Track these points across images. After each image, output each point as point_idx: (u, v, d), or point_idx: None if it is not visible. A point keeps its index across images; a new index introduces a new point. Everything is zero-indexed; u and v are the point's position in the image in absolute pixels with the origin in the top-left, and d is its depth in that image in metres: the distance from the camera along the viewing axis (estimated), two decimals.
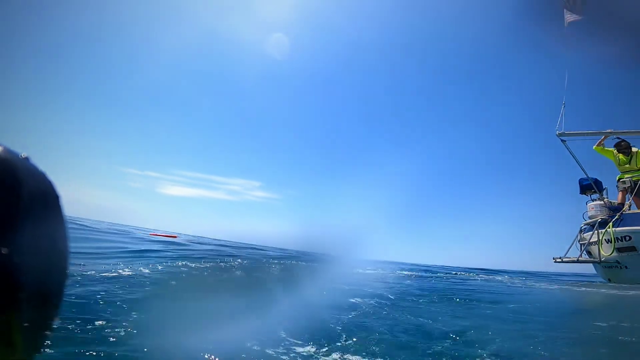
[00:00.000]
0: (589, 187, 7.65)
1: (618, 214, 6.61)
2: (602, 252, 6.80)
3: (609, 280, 7.16)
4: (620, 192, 7.21)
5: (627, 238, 6.38)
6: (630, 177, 6.81)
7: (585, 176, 7.58)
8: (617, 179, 7.30)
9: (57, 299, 0.32)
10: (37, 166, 0.32)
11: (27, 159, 0.31)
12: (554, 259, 7.64)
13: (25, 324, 0.28)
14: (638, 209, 6.64)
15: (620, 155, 7.18)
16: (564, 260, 7.42)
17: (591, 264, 7.55)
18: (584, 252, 7.41)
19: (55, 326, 0.32)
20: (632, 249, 6.35)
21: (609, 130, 7.22)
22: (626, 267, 6.59)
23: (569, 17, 7.73)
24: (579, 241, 7.71)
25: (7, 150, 0.29)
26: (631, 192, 6.84)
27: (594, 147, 7.44)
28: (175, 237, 13.20)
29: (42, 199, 0.31)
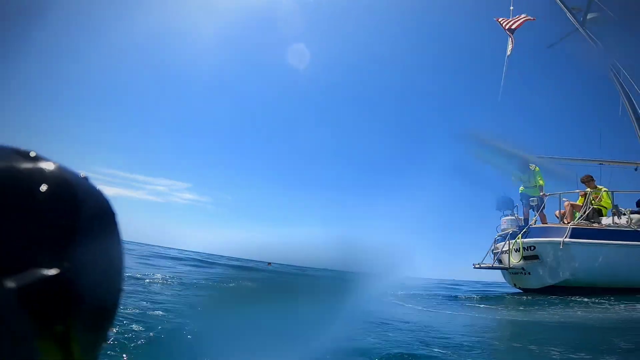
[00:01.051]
0: (505, 203, 8.87)
1: (526, 227, 7.76)
2: (511, 259, 7.88)
3: (515, 285, 8.33)
4: (525, 208, 8.48)
5: (532, 248, 7.51)
6: (538, 196, 8.05)
7: (503, 194, 8.80)
8: (519, 191, 8.54)
9: (112, 312, 0.34)
10: (95, 185, 0.33)
11: (86, 178, 0.32)
12: (473, 265, 8.65)
13: (83, 335, 0.29)
14: (542, 223, 7.87)
15: (518, 173, 8.40)
16: (482, 266, 8.45)
17: (500, 270, 8.72)
18: (497, 259, 8.50)
19: (110, 338, 0.34)
20: (535, 257, 7.48)
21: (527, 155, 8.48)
22: (529, 273, 7.73)
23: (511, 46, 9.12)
24: (492, 250, 8.84)
25: (68, 171, 0.30)
26: (537, 209, 8.08)
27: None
28: None
29: (100, 217, 0.32)
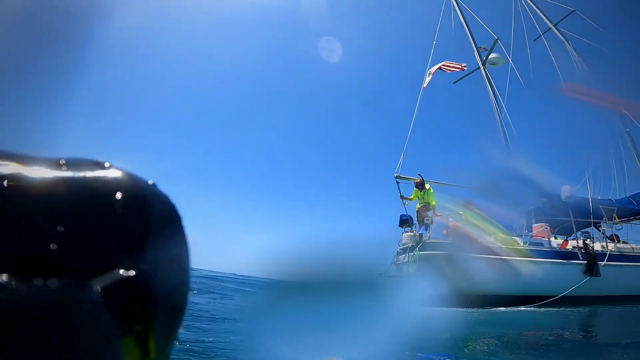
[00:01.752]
0: (406, 221, 10.27)
1: (422, 242, 9.16)
2: (409, 269, 9.18)
3: None
4: (419, 224, 9.97)
5: (426, 259, 8.91)
6: (432, 216, 9.55)
7: (405, 213, 10.20)
8: (416, 209, 10.03)
9: (183, 310, 0.36)
10: (163, 191, 0.35)
11: (154, 184, 0.34)
12: (380, 274, 9.80)
13: (159, 334, 0.31)
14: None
15: (417, 190, 9.90)
16: (386, 275, 9.63)
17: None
18: (398, 270, 9.78)
19: (179, 335, 0.36)
20: (428, 265, 8.88)
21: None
22: None
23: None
24: (395, 262, 10.13)
25: (138, 178, 0.32)
26: (427, 228, 9.60)
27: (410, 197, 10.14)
28: None
29: (169, 220, 0.34)
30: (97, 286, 0.25)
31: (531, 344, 4.67)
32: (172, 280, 0.33)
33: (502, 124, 11.95)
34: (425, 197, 9.72)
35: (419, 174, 9.86)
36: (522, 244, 9.23)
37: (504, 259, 8.64)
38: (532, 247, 8.98)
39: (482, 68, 13.20)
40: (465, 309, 6.94)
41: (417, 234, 9.92)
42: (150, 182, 0.33)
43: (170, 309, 0.33)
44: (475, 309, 6.89)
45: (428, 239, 9.19)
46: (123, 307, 0.27)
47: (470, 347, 4.05)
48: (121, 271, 0.27)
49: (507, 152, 11.26)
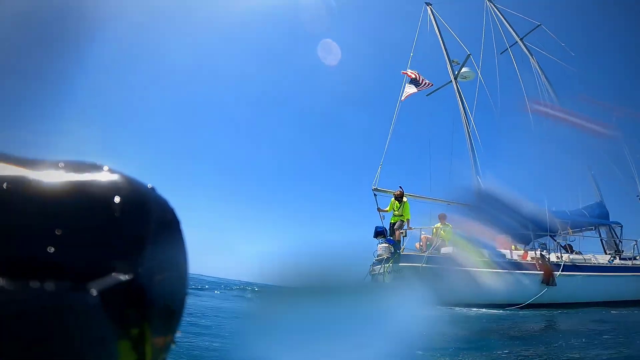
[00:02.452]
0: (381, 232, 10.75)
1: (397, 253, 9.67)
2: (385, 280, 9.67)
3: None
4: (393, 236, 10.44)
5: (401, 271, 9.43)
6: (399, 222, 10.04)
7: (381, 224, 10.69)
8: (390, 222, 10.48)
9: (180, 315, 0.36)
10: (162, 195, 0.35)
11: (153, 189, 0.34)
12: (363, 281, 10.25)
13: (155, 337, 0.31)
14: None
15: (396, 202, 10.28)
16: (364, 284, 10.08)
17: None
18: (373, 279, 10.24)
19: (177, 339, 0.36)
20: (402, 277, 9.40)
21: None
22: None
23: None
24: (370, 272, 10.58)
25: (137, 182, 0.32)
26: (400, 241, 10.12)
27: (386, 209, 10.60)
28: None
29: (167, 225, 0.34)
30: (94, 289, 0.25)
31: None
32: (169, 284, 0.34)
33: (470, 138, 12.70)
34: (401, 209, 10.18)
35: (400, 187, 10.29)
36: (486, 255, 9.95)
37: (471, 270, 9.31)
38: (496, 259, 9.72)
39: (453, 82, 13.95)
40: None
41: (391, 245, 10.44)
42: (149, 185, 0.34)
43: (167, 313, 0.34)
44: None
45: (402, 251, 9.73)
46: (119, 311, 0.28)
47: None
48: (118, 275, 0.27)
49: (474, 166, 11.99)
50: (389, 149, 12.47)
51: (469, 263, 9.35)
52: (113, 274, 0.27)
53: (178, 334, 0.36)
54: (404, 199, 10.27)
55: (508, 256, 10.04)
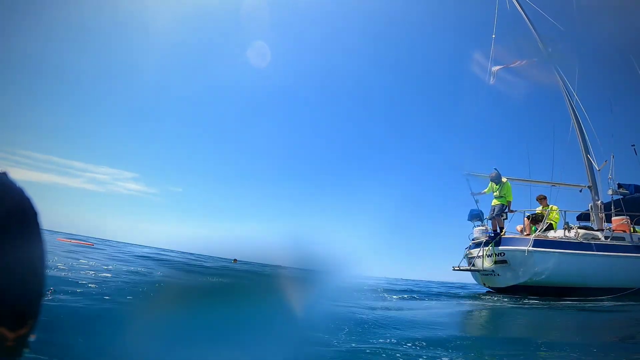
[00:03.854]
0: (477, 215, 10.50)
1: (498, 236, 9.40)
2: (484, 263, 9.49)
3: (484, 284, 9.97)
4: (493, 220, 10.13)
5: (502, 254, 9.16)
6: (499, 205, 9.70)
7: (476, 207, 10.43)
8: (492, 204, 10.15)
9: (33, 317, 0.32)
10: (15, 182, 0.31)
11: (4, 174, 0.31)
12: (453, 267, 10.19)
13: (2, 342, 0.28)
14: (493, 229, 9.61)
15: (493, 184, 10.00)
16: (461, 268, 10.00)
17: (470, 272, 10.35)
18: (471, 263, 10.10)
19: (31, 343, 0.32)
20: (504, 261, 9.13)
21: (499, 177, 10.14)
22: (498, 274, 9.38)
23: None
24: (467, 256, 10.44)
25: None
26: (497, 216, 9.76)
27: (483, 191, 10.29)
28: (91, 244, 11.46)
29: (18, 216, 0.30)
30: None
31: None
32: (19, 283, 0.29)
33: (576, 118, 11.64)
34: (501, 190, 9.82)
35: (495, 168, 9.97)
36: (602, 237, 9.22)
37: (583, 253, 8.73)
38: (614, 242, 8.96)
39: (549, 61, 12.78)
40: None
41: (489, 227, 10.16)
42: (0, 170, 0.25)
43: (16, 316, 0.30)
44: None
45: (504, 233, 9.43)
46: None
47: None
48: None
49: (584, 147, 11.02)
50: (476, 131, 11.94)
51: (581, 246, 8.77)
52: None
53: (32, 338, 0.32)
54: (503, 179, 9.90)
55: (628, 239, 9.19)
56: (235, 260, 14.42)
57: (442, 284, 16.81)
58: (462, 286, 13.92)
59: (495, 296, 8.79)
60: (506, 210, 9.70)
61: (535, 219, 9.73)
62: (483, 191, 10.21)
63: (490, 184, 10.06)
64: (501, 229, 9.61)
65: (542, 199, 10.10)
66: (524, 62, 11.59)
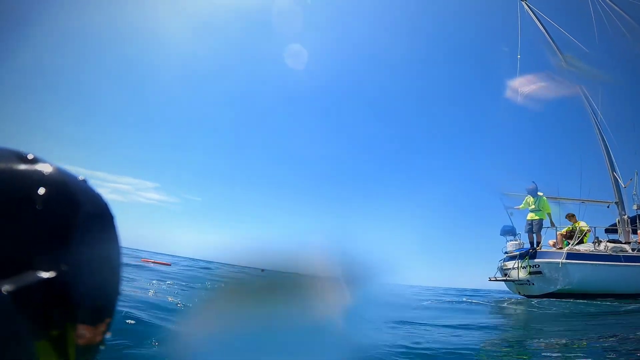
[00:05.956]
0: (510, 231, 11.44)
1: (533, 250, 10.32)
2: (520, 274, 10.41)
3: (519, 292, 10.85)
4: (529, 233, 10.97)
5: (537, 266, 10.08)
6: (537, 220, 10.59)
7: (509, 224, 11.40)
8: (527, 218, 10.98)
9: (109, 316, 0.35)
10: (94, 188, 0.34)
11: (84, 181, 0.33)
12: (489, 278, 11.13)
13: (80, 339, 0.30)
14: (530, 240, 10.49)
15: (528, 199, 10.72)
16: (497, 279, 10.94)
17: (504, 282, 11.25)
18: (506, 274, 11.02)
19: (107, 341, 0.35)
20: (539, 272, 10.04)
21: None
22: (533, 284, 10.29)
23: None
24: (501, 267, 11.36)
25: (66, 173, 0.31)
26: (537, 230, 10.63)
27: (519, 207, 11.22)
28: (168, 264, 12.28)
29: (98, 220, 0.33)
30: (7, 288, 0.24)
31: None
32: (98, 282, 0.32)
33: (600, 132, 12.50)
34: (538, 204, 10.53)
35: (533, 181, 10.86)
36: (629, 250, 10.07)
37: (612, 264, 9.62)
38: None
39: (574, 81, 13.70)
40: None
41: (523, 242, 11.05)
42: (80, 177, 0.32)
43: (95, 313, 0.32)
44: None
45: (540, 248, 10.35)
46: (38, 311, 0.26)
47: None
48: (38, 272, 0.26)
49: (609, 163, 11.88)
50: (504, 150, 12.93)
51: (610, 258, 9.65)
52: (32, 271, 0.26)
53: (108, 335, 0.35)
54: (539, 192, 10.70)
55: None
56: (262, 270, 15.36)
57: (476, 290, 17.53)
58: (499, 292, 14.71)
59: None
60: (546, 226, 10.54)
61: (568, 235, 10.64)
62: (518, 207, 11.12)
63: (525, 200, 10.93)
64: (538, 243, 10.49)
65: (571, 217, 10.98)
66: (549, 83, 12.55)
